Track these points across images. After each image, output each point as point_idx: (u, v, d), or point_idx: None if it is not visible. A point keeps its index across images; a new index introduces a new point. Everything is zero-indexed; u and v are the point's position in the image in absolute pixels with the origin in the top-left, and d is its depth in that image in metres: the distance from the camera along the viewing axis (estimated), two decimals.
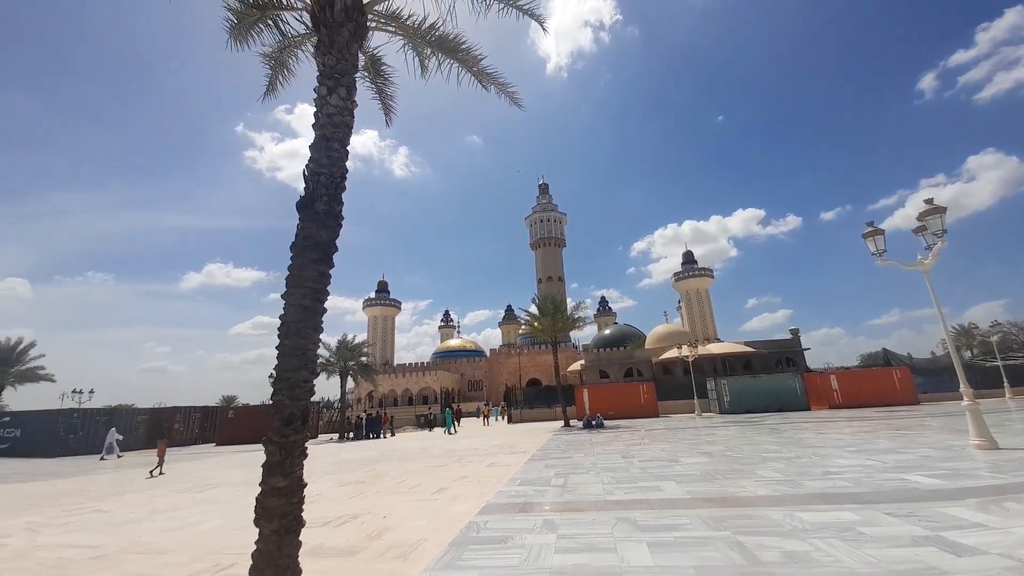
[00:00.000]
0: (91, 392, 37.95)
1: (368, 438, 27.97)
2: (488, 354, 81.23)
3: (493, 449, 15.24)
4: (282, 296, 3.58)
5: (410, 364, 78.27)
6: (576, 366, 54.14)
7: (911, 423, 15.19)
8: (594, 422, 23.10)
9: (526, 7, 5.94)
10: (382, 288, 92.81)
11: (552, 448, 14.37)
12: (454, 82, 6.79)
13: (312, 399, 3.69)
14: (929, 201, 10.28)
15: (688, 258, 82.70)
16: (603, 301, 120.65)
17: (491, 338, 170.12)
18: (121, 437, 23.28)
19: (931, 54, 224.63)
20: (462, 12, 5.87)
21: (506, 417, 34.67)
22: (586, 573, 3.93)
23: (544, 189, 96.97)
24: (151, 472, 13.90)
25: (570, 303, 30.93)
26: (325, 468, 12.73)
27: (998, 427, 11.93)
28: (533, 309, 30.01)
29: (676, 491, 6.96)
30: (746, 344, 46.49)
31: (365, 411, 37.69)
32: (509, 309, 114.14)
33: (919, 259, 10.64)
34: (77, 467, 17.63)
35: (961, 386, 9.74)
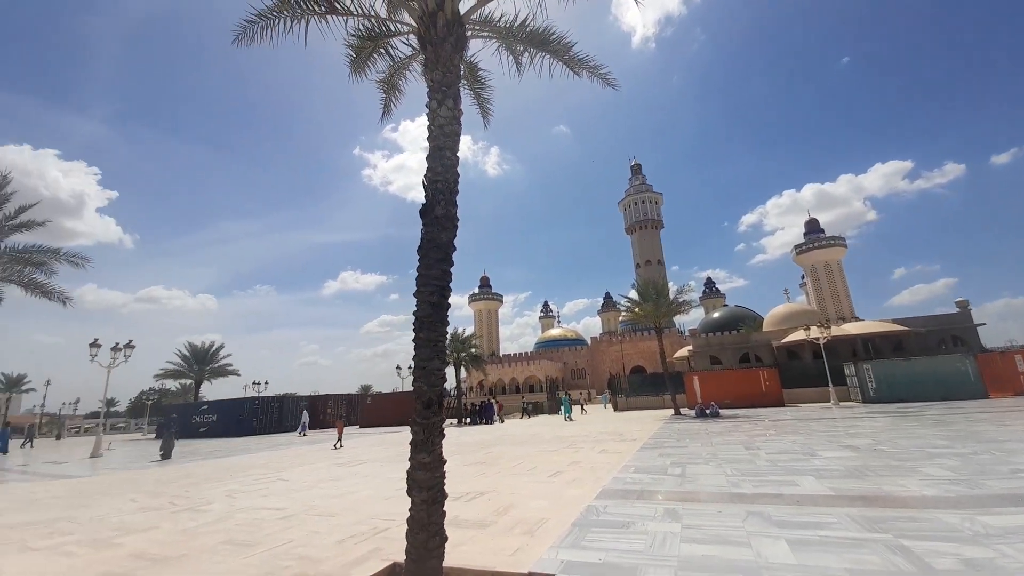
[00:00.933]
0: (266, 383, 46.23)
1: (481, 423, 29.67)
2: (589, 342, 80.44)
3: (602, 436, 15.19)
4: (414, 295, 4.01)
5: (515, 354, 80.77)
6: (683, 352, 51.12)
7: None
8: (708, 411, 21.74)
9: None
10: (484, 283, 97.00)
11: (664, 437, 13.89)
12: (545, 76, 6.85)
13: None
14: None
15: (812, 227, 72.67)
16: (709, 282, 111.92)
17: (591, 326, 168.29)
18: (308, 419, 27.84)
19: None
20: (549, 2, 5.90)
21: (612, 405, 34.15)
22: (717, 565, 3.82)
23: (637, 170, 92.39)
24: (334, 445, 17.32)
25: (672, 287, 29.35)
26: (448, 449, 13.71)
27: None
28: (633, 295, 28.99)
29: (816, 487, 6.34)
30: (895, 322, 39.60)
31: (485, 398, 39.95)
32: (607, 296, 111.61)
33: None
34: (260, 444, 21.48)
35: None
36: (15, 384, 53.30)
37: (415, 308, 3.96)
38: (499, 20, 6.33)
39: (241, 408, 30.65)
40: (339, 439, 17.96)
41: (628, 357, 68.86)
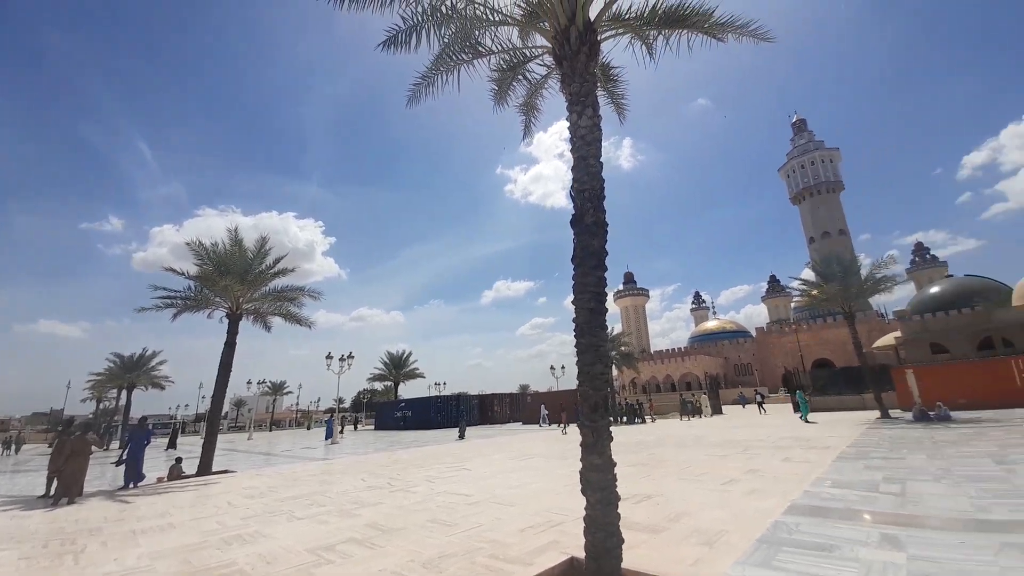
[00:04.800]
0: (444, 383, 53.70)
1: (633, 423, 28.84)
2: (755, 334, 71.28)
3: (782, 442, 13.38)
4: (572, 302, 4.21)
5: (667, 350, 76.46)
6: (887, 340, 41.38)
7: None
8: (933, 413, 17.35)
9: None
10: (628, 279, 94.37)
11: (869, 445, 11.58)
12: (683, 55, 6.44)
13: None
14: None
15: None
16: (920, 249, 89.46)
17: (754, 316, 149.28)
18: (548, 412, 31.19)
19: None
20: None
21: (797, 406, 29.65)
22: None
23: (800, 126, 78.75)
24: (563, 430, 22.43)
25: (863, 260, 24.25)
26: None
27: None
28: (809, 274, 24.95)
29: None
30: None
31: (637, 398, 39.14)
32: (773, 280, 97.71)
33: None
34: (446, 436, 24.69)
35: None
36: (279, 388, 70.82)
37: (574, 315, 4.16)
38: (629, 12, 6.19)
39: (428, 405, 35.91)
40: (564, 425, 24.27)
41: (808, 349, 59.04)
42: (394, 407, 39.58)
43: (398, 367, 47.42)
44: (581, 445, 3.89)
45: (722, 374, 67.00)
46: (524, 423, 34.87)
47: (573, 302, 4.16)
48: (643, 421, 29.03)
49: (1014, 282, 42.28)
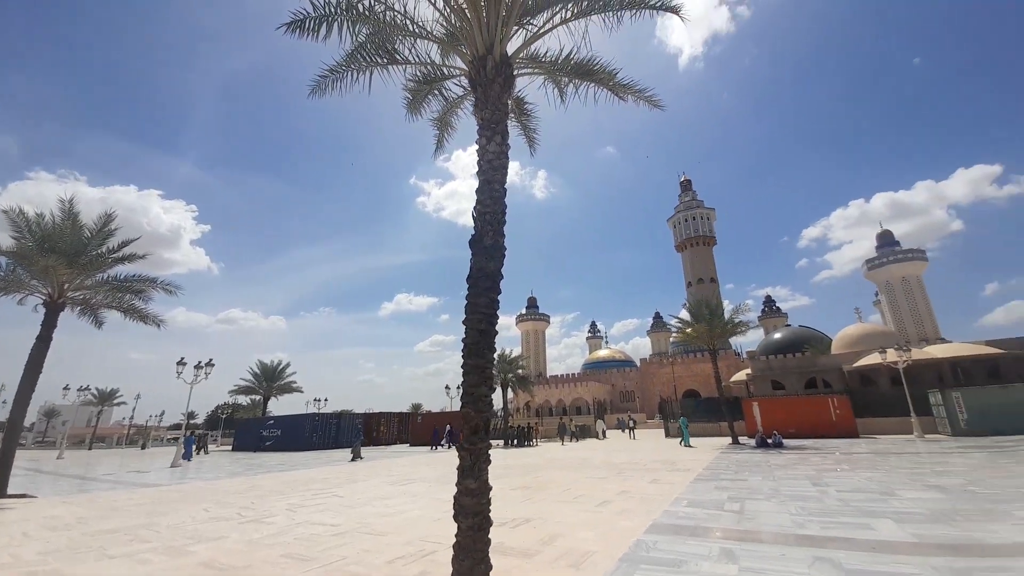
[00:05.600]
0: (325, 400, 48.69)
1: (524, 446, 29.21)
2: (639, 364, 77.93)
3: (653, 465, 14.59)
4: (463, 322, 4.18)
5: (562, 375, 79.77)
6: (741, 376, 48.16)
7: None
8: (770, 440, 20.30)
9: (658, 3, 5.81)
10: (532, 304, 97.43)
11: (721, 468, 13.12)
12: (591, 103, 7.00)
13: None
14: None
15: (886, 240, 67.07)
16: (768, 301, 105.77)
17: (640, 347, 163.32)
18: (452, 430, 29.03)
19: None
20: (594, 32, 6.07)
21: (664, 431, 32.76)
22: None
23: (687, 186, 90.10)
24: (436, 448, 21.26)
25: (727, 305, 28.06)
26: (495, 472, 13.74)
27: None
28: (685, 315, 28.01)
29: (895, 532, 5.76)
30: (988, 344, 35.35)
31: (528, 421, 39.80)
32: (657, 316, 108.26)
33: None
34: (319, 459, 22.48)
35: None
36: (107, 398, 58.58)
37: (464, 335, 4.13)
38: (544, 56, 6.59)
39: (303, 424, 32.22)
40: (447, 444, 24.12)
41: (680, 380, 65.97)
42: (260, 425, 34.64)
43: (271, 379, 42.12)
44: (458, 468, 3.81)
45: (608, 400, 71.69)
46: (412, 444, 33.49)
47: (464, 322, 4.13)
48: (532, 444, 29.64)
49: (834, 334, 52.00)
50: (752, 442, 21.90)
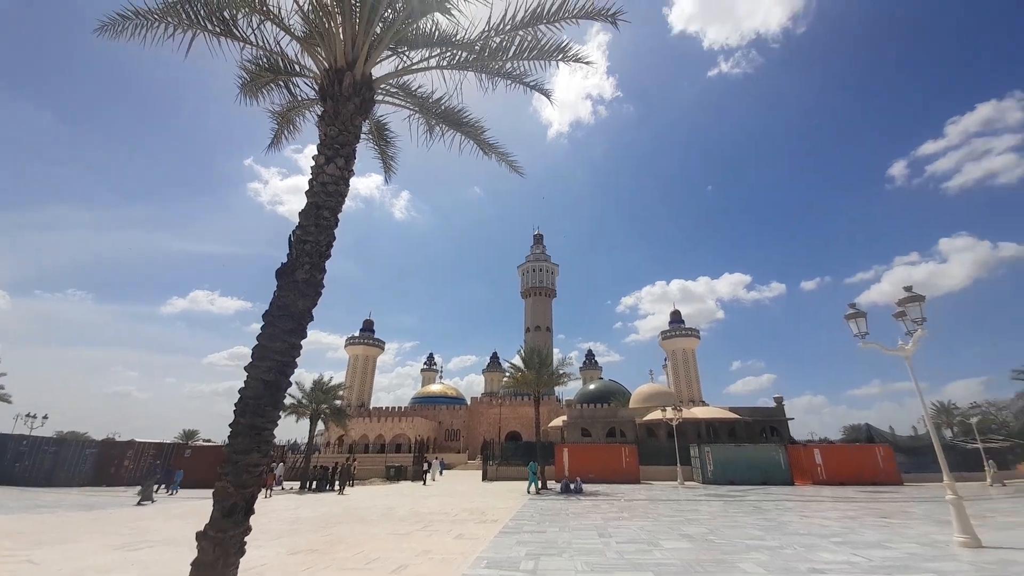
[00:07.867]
0: (44, 417, 36.05)
1: (323, 490, 25.73)
2: (469, 402, 79.04)
3: (462, 515, 14.35)
4: (245, 368, 3.37)
5: (387, 408, 75.57)
6: (558, 421, 52.69)
7: (895, 509, 14.93)
8: (572, 486, 22.15)
9: (533, 84, 6.21)
10: (367, 327, 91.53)
11: (526, 518, 13.59)
12: (456, 149, 6.97)
13: (275, 442, 3.40)
14: (908, 288, 10.59)
15: (675, 317, 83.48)
16: (590, 354, 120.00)
17: (474, 384, 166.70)
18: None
19: (902, 144, 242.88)
20: (469, 87, 6.12)
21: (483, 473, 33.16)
22: None
23: (539, 239, 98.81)
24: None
25: (557, 355, 30.72)
26: (279, 529, 11.71)
27: (980, 518, 12.11)
28: (518, 360, 29.57)
29: None
30: (731, 409, 45.98)
31: (345, 459, 35.72)
32: (495, 356, 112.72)
33: (900, 345, 10.75)
34: (22, 500, 16.14)
35: (944, 478, 9.75)
36: None
37: (243, 385, 3.31)
38: (416, 89, 6.36)
39: (4, 448, 23.28)
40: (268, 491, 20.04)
41: (506, 422, 68.82)
42: None
43: None
44: (192, 564, 2.88)
45: (433, 438, 70.35)
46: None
47: (247, 367, 3.33)
48: (335, 489, 25.88)
49: (634, 390, 60.96)
50: (558, 488, 23.56)
